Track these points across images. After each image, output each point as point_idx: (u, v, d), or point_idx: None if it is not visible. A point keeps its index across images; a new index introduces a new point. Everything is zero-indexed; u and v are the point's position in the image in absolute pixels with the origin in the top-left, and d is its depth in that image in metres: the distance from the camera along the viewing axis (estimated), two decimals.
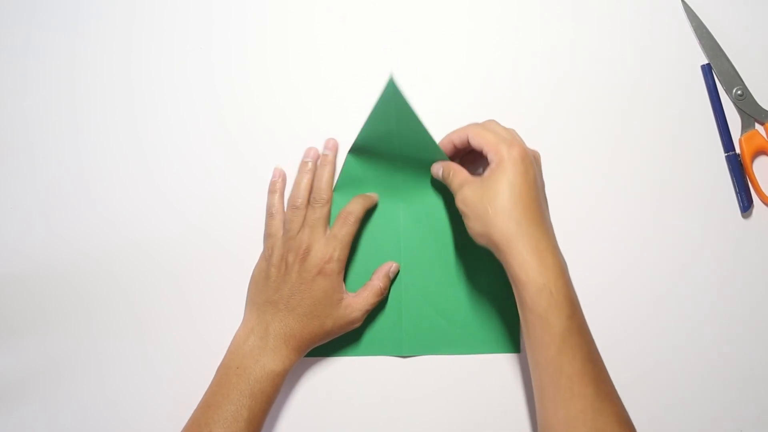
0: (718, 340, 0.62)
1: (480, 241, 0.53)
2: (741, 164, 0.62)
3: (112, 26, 0.63)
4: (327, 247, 0.57)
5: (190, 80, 0.63)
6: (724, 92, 0.63)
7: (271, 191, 0.61)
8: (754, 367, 0.61)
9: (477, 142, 0.54)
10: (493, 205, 0.51)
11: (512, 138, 0.53)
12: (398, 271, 0.61)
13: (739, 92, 0.63)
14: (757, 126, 0.63)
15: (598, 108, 0.63)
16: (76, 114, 0.63)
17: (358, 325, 0.59)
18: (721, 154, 0.63)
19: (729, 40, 0.63)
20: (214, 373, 0.57)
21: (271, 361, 0.55)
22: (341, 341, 0.60)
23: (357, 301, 0.58)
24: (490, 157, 0.53)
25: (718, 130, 0.63)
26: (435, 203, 0.61)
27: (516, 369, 0.61)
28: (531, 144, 0.62)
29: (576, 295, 0.51)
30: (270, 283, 0.58)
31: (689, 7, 0.63)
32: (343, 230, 0.58)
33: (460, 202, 0.54)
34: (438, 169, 0.58)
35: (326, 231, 0.58)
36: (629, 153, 0.62)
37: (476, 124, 0.56)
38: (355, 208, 0.59)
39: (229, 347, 0.58)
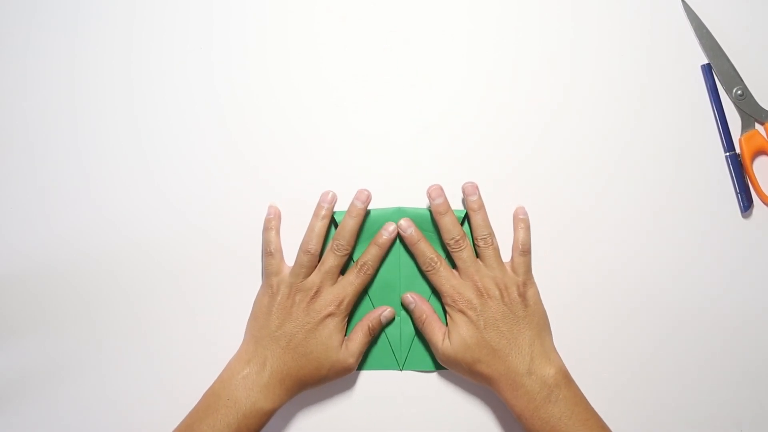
0: (718, 340, 0.61)
1: None
2: (741, 164, 0.62)
3: (112, 26, 0.63)
4: (339, 291, 0.57)
5: (190, 80, 0.63)
6: (724, 92, 0.63)
7: (267, 228, 0.61)
8: (754, 366, 0.61)
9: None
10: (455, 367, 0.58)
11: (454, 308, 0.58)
12: (393, 317, 0.60)
13: (739, 92, 0.63)
14: (757, 126, 0.63)
15: (598, 108, 0.63)
16: (76, 114, 0.63)
17: (352, 371, 0.58)
18: (721, 154, 0.63)
19: (729, 40, 0.63)
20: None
21: (263, 398, 0.55)
22: None
23: (351, 345, 0.57)
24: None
25: (718, 130, 0.63)
26: (430, 238, 0.61)
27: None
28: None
29: (559, 392, 0.54)
30: (272, 318, 0.57)
31: (689, 7, 0.63)
32: (358, 279, 0.58)
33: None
34: (411, 307, 0.60)
35: (338, 277, 0.59)
36: (629, 153, 0.62)
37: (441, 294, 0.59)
38: (371, 259, 0.59)
39: (222, 375, 0.57)
